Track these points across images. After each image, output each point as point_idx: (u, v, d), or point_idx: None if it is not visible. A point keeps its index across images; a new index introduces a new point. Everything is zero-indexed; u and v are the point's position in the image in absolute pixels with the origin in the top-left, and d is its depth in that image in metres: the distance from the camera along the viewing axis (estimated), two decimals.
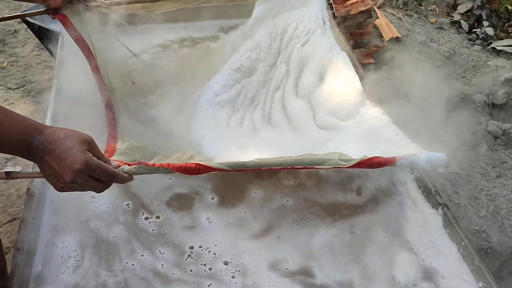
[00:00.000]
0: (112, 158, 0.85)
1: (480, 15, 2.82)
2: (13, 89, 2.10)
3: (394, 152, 0.82)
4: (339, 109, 1.05)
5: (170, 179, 0.95)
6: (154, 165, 0.79)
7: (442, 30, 2.80)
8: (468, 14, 2.93)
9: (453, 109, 2.23)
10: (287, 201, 0.92)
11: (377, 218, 0.89)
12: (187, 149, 0.97)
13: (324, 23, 1.21)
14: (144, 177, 0.82)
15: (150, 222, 0.87)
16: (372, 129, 0.97)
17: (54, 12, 1.02)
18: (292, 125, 1.07)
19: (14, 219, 1.53)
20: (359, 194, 0.93)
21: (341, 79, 1.10)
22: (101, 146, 0.87)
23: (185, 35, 1.35)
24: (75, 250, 0.82)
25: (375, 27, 2.51)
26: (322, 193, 0.93)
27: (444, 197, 0.90)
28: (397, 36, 2.57)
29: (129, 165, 0.79)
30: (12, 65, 2.23)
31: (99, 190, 0.75)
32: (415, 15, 2.90)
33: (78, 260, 0.80)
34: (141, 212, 0.89)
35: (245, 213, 0.89)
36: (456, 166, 1.96)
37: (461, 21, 2.85)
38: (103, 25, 1.13)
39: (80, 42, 1.04)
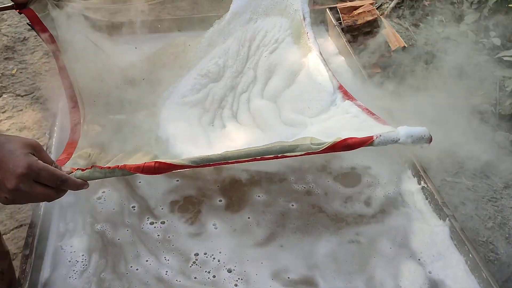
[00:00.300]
0: (70, 160, 0.84)
1: (487, 25, 2.81)
2: (22, 96, 2.12)
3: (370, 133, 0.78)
4: (308, 107, 1.02)
5: (178, 180, 0.96)
6: (109, 167, 0.74)
7: (449, 40, 2.80)
8: (475, 24, 2.93)
9: (459, 119, 2.23)
10: (292, 205, 0.92)
11: (383, 228, 0.88)
12: (154, 147, 0.97)
13: (304, 18, 1.16)
14: (151, 179, 0.83)
15: (155, 227, 0.88)
16: (342, 120, 0.94)
17: (21, 7, 0.98)
18: (256, 123, 1.05)
19: (21, 225, 1.54)
20: (366, 204, 0.92)
21: (312, 82, 1.07)
22: None
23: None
24: (82, 255, 0.83)
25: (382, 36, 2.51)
26: (329, 199, 0.93)
27: (451, 208, 0.89)
28: (404, 46, 2.57)
29: (82, 170, 0.73)
30: (21, 72, 2.25)
31: (49, 199, 0.68)
32: (422, 25, 2.91)
33: (85, 264, 0.82)
34: (147, 217, 0.90)
35: (249, 218, 0.90)
36: (465, 178, 1.95)
37: (468, 31, 2.84)
38: (73, 21, 1.08)
39: (47, 39, 1.01)
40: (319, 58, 1.09)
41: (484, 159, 2.05)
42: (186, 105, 1.10)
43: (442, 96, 2.32)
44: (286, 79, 1.11)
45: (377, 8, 2.77)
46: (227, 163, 0.76)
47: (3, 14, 2.53)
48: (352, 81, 1.22)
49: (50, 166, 0.65)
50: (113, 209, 0.91)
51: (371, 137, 0.74)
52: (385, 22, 2.57)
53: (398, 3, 2.85)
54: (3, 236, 1.50)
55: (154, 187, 0.95)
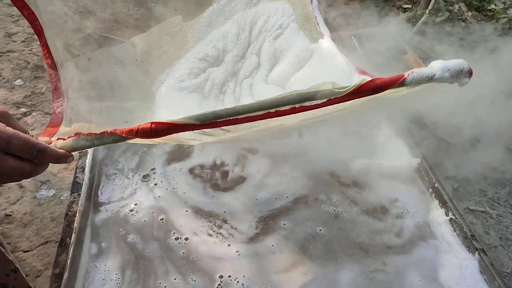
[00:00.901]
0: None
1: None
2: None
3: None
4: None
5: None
6: (96, 134, 0.63)
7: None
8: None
9: (481, 148, 2.21)
10: (320, 230, 0.93)
11: (411, 259, 0.88)
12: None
13: (311, 1, 1.08)
14: (177, 191, 0.80)
15: (179, 243, 0.90)
16: None
17: None
18: None
19: (47, 242, 1.57)
20: (394, 235, 0.92)
21: (326, 65, 0.97)
22: None
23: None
24: (116, 273, 0.84)
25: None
26: (356, 227, 0.93)
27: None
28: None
29: (64, 139, 0.64)
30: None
31: (24, 174, 0.57)
32: (443, 53, 2.91)
33: (119, 283, 0.83)
34: (172, 232, 0.91)
35: (272, 245, 0.90)
36: (487, 205, 1.92)
37: (489, 57, 2.83)
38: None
39: (29, 14, 0.92)
40: (332, 44, 1.00)
41: (508, 188, 2.02)
42: (184, 90, 1.03)
43: (464, 123, 2.31)
44: (295, 65, 1.03)
45: None
46: (237, 120, 0.64)
47: (35, 34, 2.61)
48: None
49: (22, 133, 0.56)
50: (144, 221, 0.94)
51: (402, 75, 0.63)
52: (406, 47, 2.59)
53: (419, 29, 2.86)
54: (29, 252, 1.54)
55: (179, 200, 0.97)
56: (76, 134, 0.63)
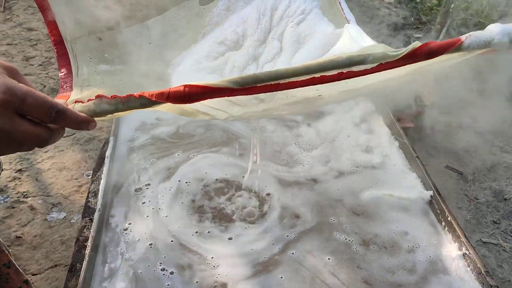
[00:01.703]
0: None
1: None
2: (64, 137, 2.20)
3: None
4: None
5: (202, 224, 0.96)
6: (121, 97, 0.56)
7: (483, 96, 2.79)
8: (510, 81, 2.92)
9: (495, 178, 2.19)
10: (328, 259, 0.91)
11: None
12: None
13: None
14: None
15: (164, 275, 0.88)
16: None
17: None
18: None
19: (56, 265, 1.57)
20: (406, 270, 0.90)
21: (356, 46, 0.93)
22: None
23: None
24: None
25: None
26: (365, 260, 0.92)
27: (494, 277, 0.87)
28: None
29: (83, 102, 0.57)
30: None
31: (40, 142, 0.49)
32: (455, 81, 2.91)
33: None
34: (159, 263, 0.90)
35: (281, 277, 0.89)
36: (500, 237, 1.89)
37: (502, 87, 2.83)
38: None
39: None
40: (359, 28, 0.98)
41: None
42: (202, 71, 0.99)
43: (477, 154, 2.30)
44: (320, 48, 0.99)
45: None
46: (279, 86, 0.57)
47: (51, 58, 2.68)
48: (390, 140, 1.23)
49: (37, 91, 0.47)
50: (138, 240, 0.94)
51: (459, 39, 0.56)
52: None
53: None
54: (38, 275, 1.54)
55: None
56: (98, 96, 0.56)
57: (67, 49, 0.87)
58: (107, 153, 1.13)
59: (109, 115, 0.58)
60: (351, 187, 1.09)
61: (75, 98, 0.64)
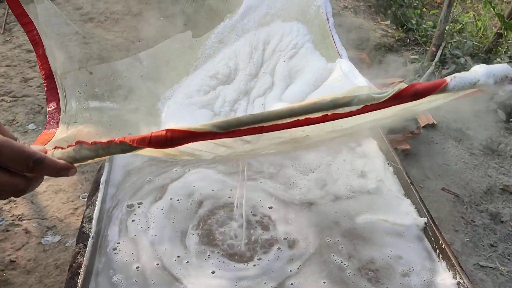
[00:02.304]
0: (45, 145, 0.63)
1: None
2: None
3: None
4: None
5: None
6: (102, 142, 0.55)
7: (479, 118, 2.81)
8: (505, 103, 2.95)
9: (492, 200, 2.19)
10: (324, 282, 0.91)
11: None
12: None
13: (327, 19, 1.04)
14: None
15: None
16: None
17: None
18: None
19: None
20: None
21: (347, 83, 0.93)
22: None
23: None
24: None
25: None
26: (361, 285, 0.92)
27: None
28: (433, 123, 2.60)
29: (63, 148, 0.55)
30: None
31: (18, 192, 0.48)
32: (451, 103, 2.94)
33: None
34: None
35: None
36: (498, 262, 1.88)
37: (497, 109, 2.86)
38: (60, 8, 0.98)
39: (26, 23, 0.90)
40: (351, 64, 0.97)
41: None
42: (192, 106, 0.99)
43: (473, 176, 2.30)
44: (311, 84, 0.99)
45: None
46: (263, 129, 0.56)
47: None
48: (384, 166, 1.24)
49: (14, 141, 0.46)
50: (126, 260, 0.94)
51: (444, 80, 0.56)
52: None
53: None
54: None
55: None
56: (78, 142, 0.54)
57: (57, 84, 0.87)
58: (102, 179, 1.13)
59: (90, 161, 0.57)
60: (348, 211, 1.09)
61: (60, 137, 0.64)
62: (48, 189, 1.97)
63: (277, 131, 0.56)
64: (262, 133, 0.56)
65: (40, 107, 2.51)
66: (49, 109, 0.84)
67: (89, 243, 0.96)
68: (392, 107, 0.55)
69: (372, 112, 0.55)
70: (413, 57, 3.48)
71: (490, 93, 0.59)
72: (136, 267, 0.93)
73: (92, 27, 2.20)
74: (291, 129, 0.56)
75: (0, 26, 3.08)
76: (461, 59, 3.03)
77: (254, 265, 0.94)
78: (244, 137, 0.58)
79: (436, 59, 3.07)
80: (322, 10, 1.04)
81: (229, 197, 1.11)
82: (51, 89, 0.87)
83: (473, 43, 3.41)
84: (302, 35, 1.06)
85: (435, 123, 2.59)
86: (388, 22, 4.02)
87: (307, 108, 0.54)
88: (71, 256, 0.97)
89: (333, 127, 0.61)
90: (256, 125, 0.54)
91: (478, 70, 0.57)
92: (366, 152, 1.29)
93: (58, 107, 0.86)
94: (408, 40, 3.79)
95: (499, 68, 0.58)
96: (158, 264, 0.94)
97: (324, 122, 0.56)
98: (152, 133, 0.53)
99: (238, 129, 0.54)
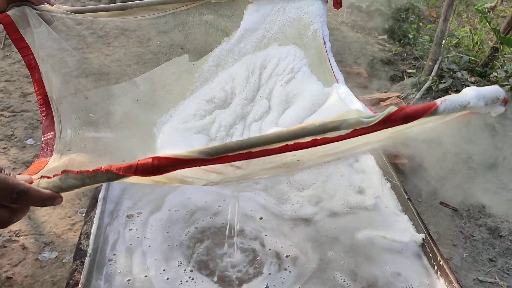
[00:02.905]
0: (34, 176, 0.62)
1: None
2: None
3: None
4: None
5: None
6: (88, 171, 0.55)
7: (476, 132, 2.82)
8: (502, 117, 2.96)
9: (491, 215, 2.18)
10: None
11: None
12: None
13: (324, 43, 1.04)
14: None
15: None
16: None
17: None
18: None
19: None
20: None
21: (344, 108, 0.92)
22: None
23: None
24: None
25: None
26: None
27: None
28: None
29: (49, 178, 0.55)
30: None
31: (3, 224, 0.49)
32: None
33: None
34: None
35: None
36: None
37: (495, 123, 2.86)
38: (57, 32, 0.97)
39: (23, 48, 0.91)
40: (348, 89, 0.98)
41: None
42: (188, 131, 1.00)
43: (473, 194, 2.30)
44: (308, 109, 0.99)
45: (403, 99, 2.84)
46: (251, 154, 0.55)
47: None
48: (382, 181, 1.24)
49: None
50: (119, 272, 0.95)
51: (435, 103, 0.55)
52: None
53: (423, 94, 2.93)
54: None
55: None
56: (64, 171, 0.54)
57: (53, 110, 0.87)
58: (100, 196, 1.13)
59: (77, 189, 0.56)
60: (347, 227, 1.10)
61: (52, 166, 0.64)
62: None
63: (267, 157, 0.55)
64: (251, 158, 0.55)
65: (39, 122, 2.51)
66: (44, 136, 0.84)
67: (87, 260, 0.96)
68: (382, 130, 0.54)
69: (363, 135, 0.54)
70: (410, 71, 3.51)
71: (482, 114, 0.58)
72: (127, 280, 0.94)
73: (93, 42, 2.23)
74: (281, 154, 0.55)
75: (0, 41, 3.10)
76: (457, 74, 3.05)
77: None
78: (234, 163, 0.57)
79: (433, 73, 3.08)
80: (319, 33, 1.05)
81: (219, 206, 1.12)
82: (47, 115, 0.88)
83: (469, 58, 3.44)
84: (299, 59, 1.07)
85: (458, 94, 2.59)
86: (385, 36, 4.06)
87: (296, 133, 0.53)
88: (68, 273, 0.97)
89: (324, 151, 0.60)
90: (244, 151, 0.54)
91: (469, 93, 0.56)
92: (363, 168, 1.29)
93: (53, 134, 0.86)
94: (405, 54, 3.82)
95: (490, 90, 0.57)
96: (145, 276, 0.95)
97: (314, 146, 0.55)
98: (138, 160, 0.53)
99: (226, 155, 0.54)
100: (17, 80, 2.80)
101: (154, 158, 0.53)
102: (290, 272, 0.97)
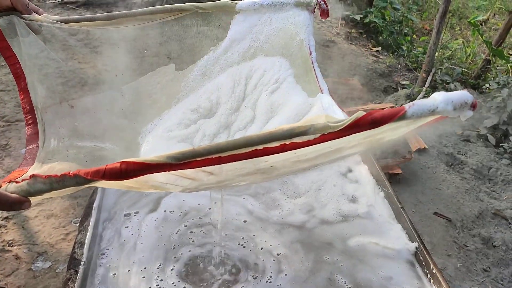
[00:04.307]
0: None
1: (507, 129, 2.87)
2: None
3: None
4: None
5: None
6: (56, 176, 0.55)
7: (469, 143, 2.84)
8: (495, 128, 2.99)
9: (484, 225, 2.20)
10: None
11: None
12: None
13: (310, 53, 1.04)
14: None
15: None
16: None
17: None
18: None
19: None
20: None
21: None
22: None
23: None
24: None
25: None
26: None
27: None
28: (424, 147, 2.62)
29: (17, 182, 0.56)
30: None
31: None
32: (441, 127, 2.98)
33: None
34: None
35: None
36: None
37: (487, 134, 2.90)
38: (44, 41, 0.98)
39: (9, 57, 0.91)
40: (332, 99, 0.98)
41: (511, 268, 1.99)
42: (172, 140, 0.99)
43: (464, 201, 2.32)
44: (291, 119, 0.99)
45: None
46: (221, 160, 0.54)
47: None
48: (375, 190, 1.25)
49: None
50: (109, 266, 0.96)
51: (403, 108, 0.55)
52: None
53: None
54: None
55: None
56: (32, 176, 0.55)
57: (37, 119, 0.88)
58: (95, 204, 1.13)
59: (47, 194, 0.56)
60: (341, 234, 1.10)
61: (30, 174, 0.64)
62: (40, 214, 1.96)
63: (237, 162, 0.55)
64: (221, 164, 0.55)
65: None
66: (28, 145, 0.85)
67: (80, 269, 0.95)
68: (353, 135, 0.54)
69: (334, 141, 0.54)
70: (404, 82, 3.54)
71: (454, 119, 0.59)
72: (113, 274, 0.96)
73: (89, 58, 2.24)
74: (252, 159, 0.55)
75: None
76: (450, 85, 3.09)
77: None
78: (205, 168, 0.57)
79: (427, 85, 3.12)
80: (305, 43, 1.06)
81: (209, 208, 1.13)
82: (31, 124, 0.88)
83: (462, 69, 3.48)
84: (284, 70, 1.08)
85: (426, 147, 2.61)
86: (380, 48, 4.10)
87: (264, 138, 0.53)
88: (61, 283, 0.97)
89: (297, 157, 0.60)
90: (213, 156, 0.53)
91: (437, 97, 0.57)
92: (356, 177, 1.30)
93: (37, 143, 0.86)
94: (399, 66, 3.86)
95: (458, 95, 0.57)
96: (128, 271, 0.97)
97: (283, 151, 0.55)
98: (107, 165, 0.53)
99: (194, 160, 0.53)
100: (12, 89, 2.81)
101: (122, 162, 0.53)
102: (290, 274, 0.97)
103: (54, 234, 1.85)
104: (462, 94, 0.57)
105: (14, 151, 2.34)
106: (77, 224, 1.71)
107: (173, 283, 0.95)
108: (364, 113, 0.53)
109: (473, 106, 0.58)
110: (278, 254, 1.03)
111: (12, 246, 1.78)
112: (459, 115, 0.58)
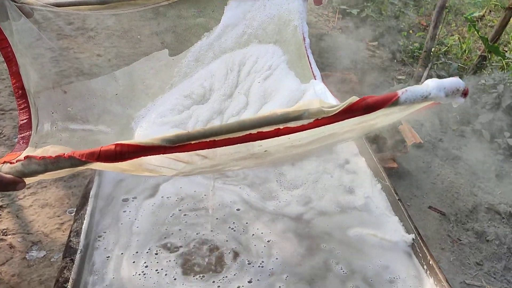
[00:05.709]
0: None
1: (502, 125, 2.88)
2: None
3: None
4: None
5: None
6: (51, 157, 0.55)
7: (464, 138, 2.86)
8: (490, 123, 3.01)
9: (477, 219, 2.21)
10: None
11: None
12: None
13: (304, 39, 1.05)
14: None
15: None
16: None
17: None
18: None
19: None
20: None
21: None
22: None
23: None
24: None
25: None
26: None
27: None
28: (420, 142, 2.63)
29: (12, 163, 0.56)
30: None
31: None
32: (437, 122, 2.99)
33: None
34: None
35: None
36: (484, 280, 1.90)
37: (482, 130, 2.91)
38: (37, 26, 0.96)
39: (0, 40, 0.90)
40: (324, 86, 0.98)
41: (504, 262, 2.01)
42: (165, 125, 1.00)
43: (459, 195, 2.33)
44: (284, 105, 1.00)
45: None
46: (215, 143, 0.54)
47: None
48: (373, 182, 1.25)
49: None
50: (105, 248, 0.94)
51: (396, 94, 0.56)
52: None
53: None
54: None
55: None
56: (27, 157, 0.55)
57: (30, 103, 0.87)
58: (92, 193, 1.12)
59: (41, 175, 0.56)
60: (339, 225, 1.10)
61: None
62: (34, 204, 1.95)
63: (232, 145, 0.55)
64: (215, 147, 0.55)
65: None
66: (20, 130, 0.84)
67: (77, 256, 0.95)
68: (346, 120, 0.55)
69: (327, 126, 0.55)
70: (400, 77, 3.55)
71: (447, 105, 0.59)
72: (107, 257, 0.97)
73: (82, 42, 2.22)
74: (246, 143, 0.55)
75: None
76: None
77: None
78: (200, 152, 0.57)
79: (423, 79, 3.12)
80: (299, 30, 1.05)
81: (205, 195, 1.13)
82: (24, 109, 0.87)
83: (458, 65, 3.49)
84: (278, 56, 1.07)
85: (422, 142, 2.62)
86: (376, 43, 4.10)
87: (258, 122, 0.54)
88: (56, 272, 0.96)
89: (291, 142, 0.61)
90: (207, 139, 0.54)
91: (430, 84, 0.58)
92: (354, 169, 1.30)
93: (29, 128, 0.85)
94: (395, 61, 3.86)
95: (450, 81, 0.58)
96: (122, 254, 0.97)
97: (277, 136, 0.55)
98: (101, 147, 0.53)
99: (189, 143, 0.54)
100: (6, 78, 2.78)
101: (117, 144, 0.53)
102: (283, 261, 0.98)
103: (48, 224, 1.84)
104: (454, 81, 0.58)
105: (8, 140, 2.32)
106: (72, 214, 1.70)
107: (167, 260, 0.95)
108: (358, 98, 0.54)
109: (465, 93, 0.59)
110: (268, 241, 1.03)
111: (6, 235, 1.77)
112: (451, 101, 0.59)
